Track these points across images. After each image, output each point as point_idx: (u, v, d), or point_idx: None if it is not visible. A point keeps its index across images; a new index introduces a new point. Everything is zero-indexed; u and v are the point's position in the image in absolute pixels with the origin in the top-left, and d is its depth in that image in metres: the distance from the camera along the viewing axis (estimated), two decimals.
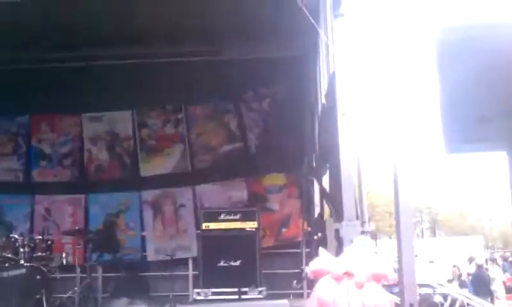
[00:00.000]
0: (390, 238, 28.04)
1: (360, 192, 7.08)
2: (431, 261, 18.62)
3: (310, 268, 2.36)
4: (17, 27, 7.67)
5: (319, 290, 2.30)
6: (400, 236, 5.09)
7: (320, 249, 2.43)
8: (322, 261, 2.38)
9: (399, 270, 5.11)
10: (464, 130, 4.01)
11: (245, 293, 6.81)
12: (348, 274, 2.30)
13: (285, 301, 4.43)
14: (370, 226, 6.40)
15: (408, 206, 5.25)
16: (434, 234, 42.87)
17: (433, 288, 11.36)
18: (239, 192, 9.08)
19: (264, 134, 9.33)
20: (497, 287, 14.44)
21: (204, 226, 7.60)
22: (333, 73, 6.30)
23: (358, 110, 6.50)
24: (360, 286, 2.25)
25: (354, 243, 2.40)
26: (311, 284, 2.53)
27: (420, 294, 11.46)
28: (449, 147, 4.17)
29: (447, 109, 4.09)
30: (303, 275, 6.06)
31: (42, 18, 7.63)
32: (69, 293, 7.65)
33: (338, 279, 2.28)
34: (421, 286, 11.86)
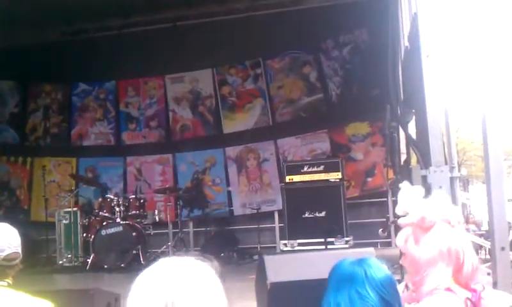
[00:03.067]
0: (483, 183, 26.65)
1: (448, 136, 6.76)
2: None
3: (412, 218, 2.25)
4: None
5: (447, 237, 2.18)
6: (489, 179, 4.83)
7: (401, 192, 2.29)
8: (426, 209, 2.26)
9: (489, 214, 4.86)
10: None
11: (331, 243, 6.78)
12: (449, 219, 2.18)
13: (370, 249, 4.34)
14: (462, 172, 6.12)
15: (497, 146, 4.95)
16: None
17: None
18: (321, 143, 8.99)
19: (345, 83, 9.10)
20: None
21: (288, 178, 7.59)
22: (415, 14, 5.99)
23: (443, 51, 6.16)
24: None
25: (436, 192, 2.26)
26: (398, 232, 2.43)
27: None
28: None
29: None
30: (389, 223, 5.92)
31: None
32: (163, 248, 8.01)
33: (453, 225, 2.17)
34: None
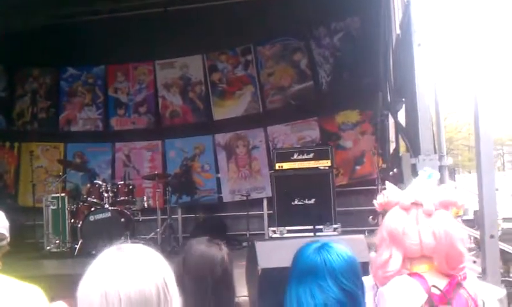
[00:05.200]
0: (470, 172, 26.95)
1: (438, 125, 6.80)
2: None
3: (377, 201, 2.27)
4: None
5: (388, 220, 2.20)
6: (480, 166, 4.86)
7: (387, 182, 2.32)
8: (390, 193, 2.27)
9: (479, 202, 4.89)
10: None
11: (320, 230, 6.79)
12: (416, 204, 2.16)
13: (361, 236, 4.39)
14: (448, 161, 6.19)
15: (488, 135, 4.98)
16: None
17: None
18: (311, 131, 9.00)
19: (336, 70, 9.08)
20: None
21: (277, 166, 7.57)
22: (408, 1, 5.99)
23: (435, 40, 6.16)
24: (428, 214, 2.13)
25: (420, 174, 2.28)
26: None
27: (502, 229, 11.01)
28: None
29: None
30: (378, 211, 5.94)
31: None
32: (152, 234, 8.00)
33: (406, 209, 2.16)
34: (505, 220, 11.37)
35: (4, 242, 2.49)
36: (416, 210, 2.21)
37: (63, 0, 9.06)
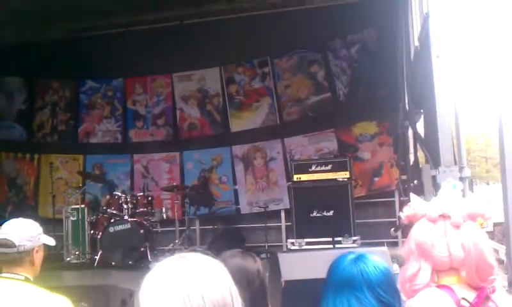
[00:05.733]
0: (488, 184, 26.65)
1: (458, 136, 6.76)
2: None
3: (404, 214, 2.26)
4: None
5: (416, 233, 2.19)
6: (505, 180, 4.82)
7: (411, 194, 2.32)
8: (416, 205, 2.27)
9: (505, 215, 4.84)
10: None
11: (339, 242, 6.77)
12: (444, 216, 2.16)
13: (384, 248, 4.38)
14: (467, 172, 6.15)
15: None
16: None
17: None
18: (328, 142, 8.98)
19: (353, 82, 9.09)
20: None
21: (295, 177, 7.58)
22: (427, 13, 5.98)
23: (454, 52, 6.16)
24: (457, 226, 2.14)
25: (444, 186, 2.27)
26: (406, 232, 2.45)
27: None
28: None
29: None
30: (400, 222, 5.91)
31: None
32: (170, 246, 8.02)
33: (434, 221, 2.16)
34: None
35: (14, 249, 2.51)
36: (443, 222, 2.19)
37: (82, 13, 9.23)
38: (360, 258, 1.78)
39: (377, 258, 1.80)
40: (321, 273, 1.88)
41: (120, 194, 8.08)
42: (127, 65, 9.50)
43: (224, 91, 9.75)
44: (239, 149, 9.46)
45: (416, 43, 7.17)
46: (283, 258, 4.04)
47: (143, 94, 10.19)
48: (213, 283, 1.29)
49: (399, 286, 1.99)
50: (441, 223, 2.18)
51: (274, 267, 4.21)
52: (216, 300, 1.27)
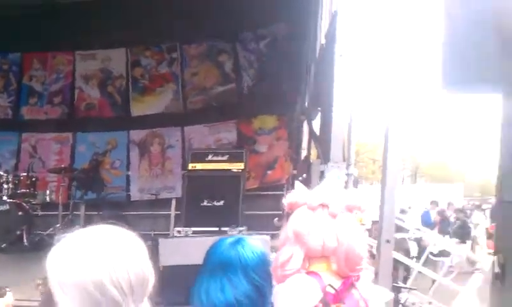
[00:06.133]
0: (372, 184, 27.91)
1: (349, 136, 6.83)
2: (410, 207, 18.66)
3: (286, 201, 2.30)
4: None
5: (295, 219, 2.24)
6: (385, 178, 4.90)
7: (296, 182, 2.30)
8: (298, 193, 2.30)
9: (380, 208, 4.96)
10: (463, 69, 3.70)
11: (225, 232, 6.60)
12: (323, 205, 2.22)
13: (266, 237, 4.42)
14: (354, 171, 6.31)
15: (395, 147, 5.08)
16: (415, 181, 43.08)
17: (408, 232, 11.28)
18: (228, 133, 8.82)
19: (259, 76, 8.97)
20: (479, 233, 14.31)
21: (191, 166, 7.34)
22: (336, 12, 5.94)
23: (357, 53, 6.20)
24: (334, 215, 2.21)
25: (328, 177, 2.23)
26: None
27: (396, 240, 11.32)
28: (447, 85, 3.87)
29: (449, 46, 3.76)
30: (284, 212, 5.86)
31: None
32: (49, 230, 7.55)
33: (313, 209, 2.22)
34: (398, 230, 11.72)
35: None
36: (322, 211, 2.23)
37: None
38: (238, 241, 1.79)
39: (255, 242, 1.80)
40: (200, 259, 1.85)
41: (1, 173, 7.52)
42: (26, 39, 8.87)
43: (129, 73, 9.37)
44: (136, 134, 9.09)
45: (323, 41, 7.16)
46: (163, 244, 3.92)
47: (41, 70, 9.61)
48: (135, 255, 1.29)
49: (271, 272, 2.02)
50: (319, 212, 2.23)
51: (153, 253, 4.04)
52: (138, 273, 1.27)
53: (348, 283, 2.15)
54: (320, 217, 2.18)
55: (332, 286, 2.09)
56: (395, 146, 5.02)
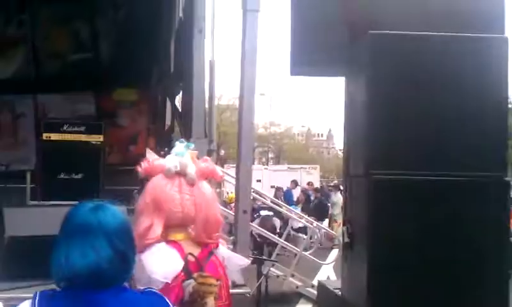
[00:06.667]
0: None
1: (210, 112, 7.11)
2: (273, 186, 19.87)
3: (142, 167, 2.31)
4: None
5: (153, 187, 2.31)
6: (240, 153, 5.26)
7: (147, 149, 2.39)
8: (154, 160, 2.35)
9: (236, 181, 5.30)
10: (310, 53, 4.18)
11: None
12: (180, 173, 2.32)
13: (122, 207, 4.37)
14: (220, 153, 6.53)
15: (249, 127, 5.43)
16: (278, 163, 46.02)
17: (273, 210, 12.11)
18: (86, 105, 8.55)
19: (118, 46, 8.78)
20: (336, 211, 15.66)
21: (45, 136, 7.10)
22: None
23: (216, 28, 6.38)
24: (192, 183, 2.30)
25: (177, 145, 2.37)
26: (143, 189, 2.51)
27: (261, 216, 12.21)
28: (295, 68, 4.32)
29: (297, 31, 4.19)
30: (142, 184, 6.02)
31: None
32: None
33: (170, 177, 2.30)
34: (263, 207, 12.61)
35: None
36: (179, 179, 2.32)
37: None
38: (99, 206, 1.71)
39: (116, 208, 1.75)
40: (54, 230, 1.75)
41: None
42: None
43: None
44: None
45: (181, 14, 7.27)
46: (9, 213, 3.76)
47: None
48: None
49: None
50: (177, 180, 2.31)
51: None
52: None
53: (207, 250, 2.29)
54: (177, 185, 2.30)
55: (193, 255, 2.22)
56: (248, 118, 5.43)
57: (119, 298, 1.67)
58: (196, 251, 2.28)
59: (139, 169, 2.35)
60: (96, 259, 1.62)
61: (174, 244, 2.26)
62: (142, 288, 1.89)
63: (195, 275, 2.14)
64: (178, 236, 2.28)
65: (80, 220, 1.68)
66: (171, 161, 2.39)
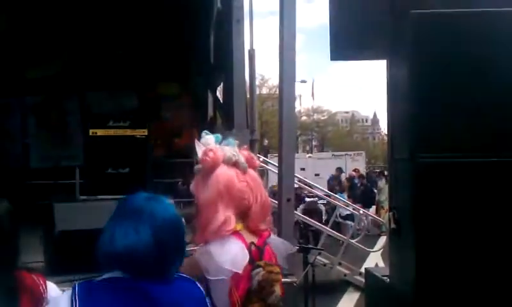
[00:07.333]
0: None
1: (252, 102, 7.07)
2: (317, 174, 19.69)
3: (203, 157, 2.29)
4: None
5: (223, 178, 2.27)
6: (282, 141, 5.23)
7: (196, 141, 2.35)
8: (218, 150, 2.32)
9: (279, 170, 5.27)
10: (350, 37, 4.09)
11: None
12: (236, 162, 2.31)
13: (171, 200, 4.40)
14: (264, 142, 6.52)
15: (291, 115, 5.39)
16: (322, 150, 45.59)
17: (319, 197, 12.03)
18: (130, 100, 8.68)
19: (158, 41, 8.86)
20: (384, 197, 15.41)
21: (91, 132, 7.24)
22: None
23: (255, 19, 6.34)
24: (244, 171, 2.30)
25: (204, 136, 2.32)
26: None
27: (307, 202, 12.15)
28: (335, 53, 4.24)
29: (336, 16, 4.11)
30: (189, 176, 6.08)
31: None
32: None
33: (232, 167, 2.29)
34: (308, 196, 12.53)
35: None
36: (234, 168, 2.30)
37: None
38: (154, 197, 1.79)
39: (170, 202, 1.83)
40: (104, 224, 1.82)
41: None
42: None
43: None
44: (33, 100, 8.65)
45: (219, 5, 7.26)
46: (59, 208, 3.85)
47: None
48: None
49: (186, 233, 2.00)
50: (233, 169, 2.29)
51: (49, 217, 4.01)
52: None
53: (262, 239, 2.29)
54: (239, 174, 2.27)
55: (254, 244, 2.23)
56: (289, 106, 5.38)
57: (162, 288, 1.70)
58: (255, 240, 2.28)
59: (206, 158, 2.30)
60: (136, 241, 1.68)
61: (237, 234, 2.25)
62: (210, 277, 2.03)
63: (262, 263, 2.17)
64: (238, 226, 2.27)
65: (134, 205, 1.76)
66: (228, 151, 2.36)
